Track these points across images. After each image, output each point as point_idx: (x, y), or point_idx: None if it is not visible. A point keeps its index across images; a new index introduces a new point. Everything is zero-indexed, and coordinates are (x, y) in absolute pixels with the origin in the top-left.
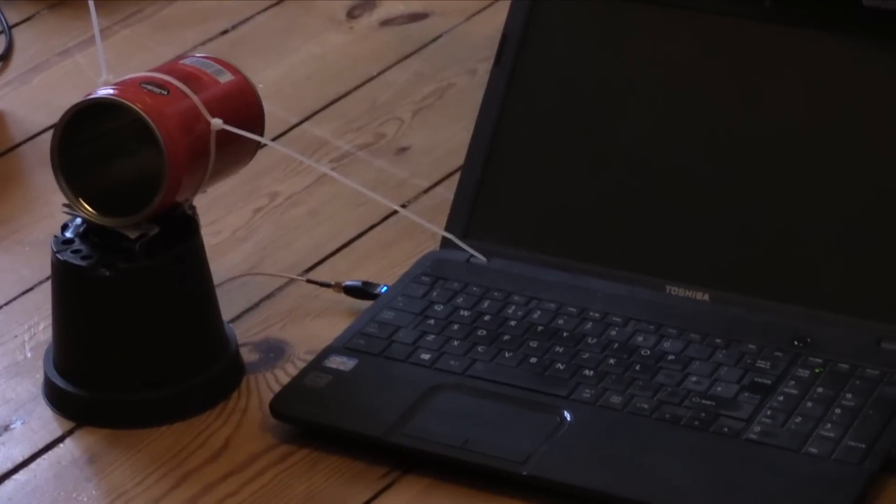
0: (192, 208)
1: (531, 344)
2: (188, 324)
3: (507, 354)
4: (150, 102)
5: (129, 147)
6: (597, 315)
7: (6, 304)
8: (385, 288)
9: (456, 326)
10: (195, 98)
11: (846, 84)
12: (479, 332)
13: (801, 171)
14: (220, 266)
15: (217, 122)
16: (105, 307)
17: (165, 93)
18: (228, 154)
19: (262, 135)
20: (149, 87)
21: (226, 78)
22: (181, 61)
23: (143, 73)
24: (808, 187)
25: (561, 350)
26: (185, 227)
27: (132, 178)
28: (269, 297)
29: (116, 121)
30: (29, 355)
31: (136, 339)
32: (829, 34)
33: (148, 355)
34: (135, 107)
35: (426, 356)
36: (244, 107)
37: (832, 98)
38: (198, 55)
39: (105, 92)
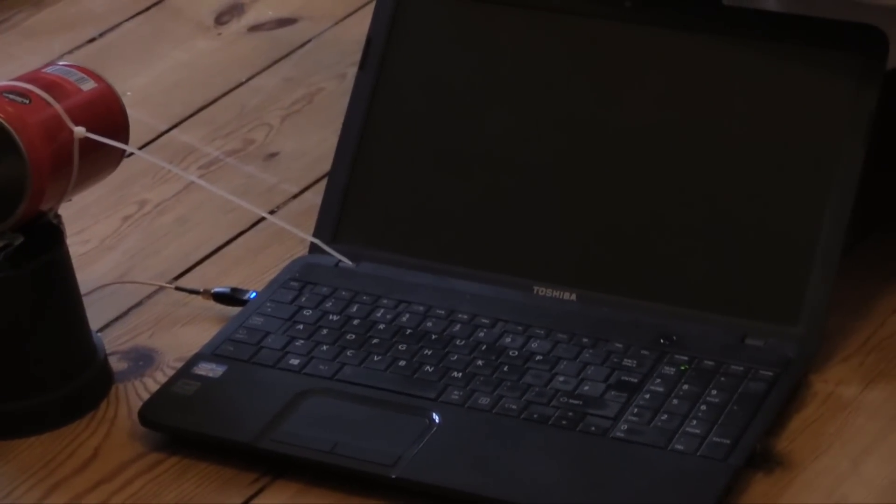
0: (58, 217)
1: (400, 347)
2: (55, 334)
3: (375, 358)
4: (11, 111)
5: None
6: (465, 317)
7: None
8: (254, 294)
9: (325, 331)
10: (58, 106)
11: (707, 83)
12: (347, 337)
13: (663, 171)
14: (89, 275)
15: (80, 131)
16: None
17: (27, 102)
18: (93, 162)
19: (127, 142)
20: (10, 96)
21: (89, 86)
22: (44, 70)
23: (4, 83)
24: (670, 186)
25: (429, 352)
26: (50, 237)
27: None
28: (137, 305)
29: None
30: None
31: (2, 350)
32: (689, 34)
33: (14, 366)
34: None
35: (295, 361)
36: (108, 114)
37: (694, 97)
38: (61, 63)
39: None
